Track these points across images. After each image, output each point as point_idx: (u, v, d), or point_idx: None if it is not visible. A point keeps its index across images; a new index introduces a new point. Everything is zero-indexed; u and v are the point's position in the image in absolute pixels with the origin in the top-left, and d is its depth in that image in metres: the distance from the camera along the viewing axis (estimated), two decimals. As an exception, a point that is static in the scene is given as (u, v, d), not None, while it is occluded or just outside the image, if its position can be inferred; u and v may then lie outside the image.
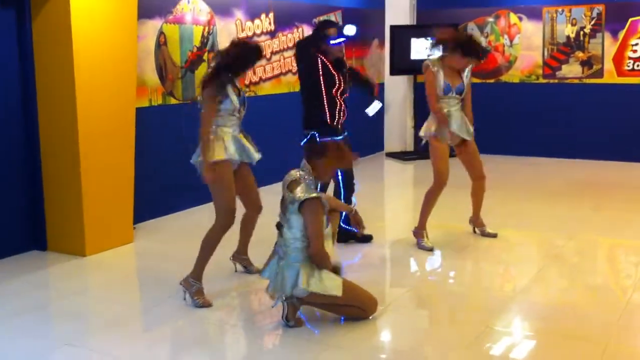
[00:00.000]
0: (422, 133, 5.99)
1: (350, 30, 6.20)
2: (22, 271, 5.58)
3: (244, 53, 4.87)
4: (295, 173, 4.43)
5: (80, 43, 5.70)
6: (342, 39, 5.79)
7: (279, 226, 4.45)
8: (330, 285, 4.29)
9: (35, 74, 5.90)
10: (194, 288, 4.77)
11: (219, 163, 4.74)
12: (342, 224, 6.03)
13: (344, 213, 5.96)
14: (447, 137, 5.86)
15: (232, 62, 4.81)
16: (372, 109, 6.28)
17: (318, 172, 4.42)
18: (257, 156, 4.97)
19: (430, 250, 5.90)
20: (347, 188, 5.95)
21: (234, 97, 4.80)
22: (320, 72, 5.67)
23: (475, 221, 6.33)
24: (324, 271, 4.32)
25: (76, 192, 5.84)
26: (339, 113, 5.78)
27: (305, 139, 5.68)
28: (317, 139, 5.52)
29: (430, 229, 6.11)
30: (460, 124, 5.88)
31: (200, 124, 4.76)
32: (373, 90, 6.23)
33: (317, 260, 4.30)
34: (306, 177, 4.36)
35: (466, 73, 5.89)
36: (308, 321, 4.44)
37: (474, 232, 6.35)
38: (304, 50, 5.87)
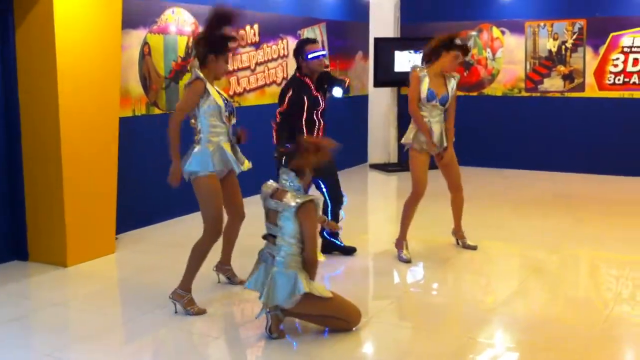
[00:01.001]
0: (403, 141, 6.04)
1: (337, 92, 6.08)
2: (3, 281, 5.52)
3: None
4: (272, 184, 4.45)
5: (64, 52, 5.68)
6: (320, 52, 5.78)
7: (267, 237, 4.45)
8: (321, 289, 4.33)
9: (18, 83, 5.86)
10: (184, 299, 4.76)
11: (201, 175, 4.76)
12: (325, 235, 6.03)
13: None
14: (425, 143, 5.87)
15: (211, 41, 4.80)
16: (337, 92, 6.02)
17: (303, 173, 4.37)
18: (240, 167, 4.97)
19: (408, 262, 5.91)
20: (333, 200, 5.94)
21: (216, 96, 4.78)
22: (305, 97, 5.67)
23: (457, 233, 6.37)
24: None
25: (58, 202, 5.80)
26: (317, 132, 5.78)
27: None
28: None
29: (413, 241, 6.13)
30: (439, 136, 5.93)
31: (172, 118, 4.77)
32: (344, 84, 6.01)
33: (311, 263, 4.31)
34: (291, 184, 4.36)
35: (452, 84, 5.94)
36: (291, 333, 4.43)
37: (457, 244, 6.38)
38: (291, 81, 5.85)
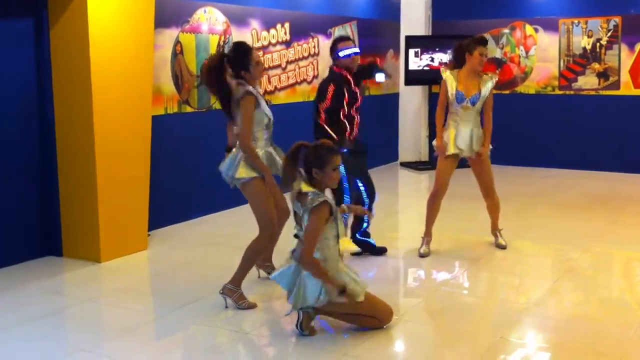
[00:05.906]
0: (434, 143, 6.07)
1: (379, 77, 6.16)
2: (37, 277, 5.61)
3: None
4: (296, 185, 4.39)
5: (98, 52, 5.75)
6: (352, 50, 5.68)
7: (297, 236, 4.45)
8: (354, 291, 4.29)
9: (52, 82, 5.95)
10: (236, 294, 4.82)
11: (253, 180, 4.80)
12: (357, 236, 6.01)
13: (363, 225, 5.97)
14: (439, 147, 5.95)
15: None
16: (380, 77, 6.20)
17: (323, 181, 4.32)
18: None
19: (421, 257, 5.99)
20: (371, 196, 5.93)
21: (267, 109, 4.86)
22: (345, 90, 5.63)
23: (492, 231, 6.33)
24: (349, 277, 4.31)
25: (92, 199, 5.87)
26: (355, 127, 5.78)
27: None
28: None
29: (444, 240, 6.11)
30: (468, 139, 5.90)
31: (244, 140, 4.77)
32: (376, 66, 6.19)
33: (304, 263, 4.25)
34: (307, 188, 4.30)
35: (488, 86, 5.90)
36: (322, 330, 4.44)
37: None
38: (331, 75, 5.78)
